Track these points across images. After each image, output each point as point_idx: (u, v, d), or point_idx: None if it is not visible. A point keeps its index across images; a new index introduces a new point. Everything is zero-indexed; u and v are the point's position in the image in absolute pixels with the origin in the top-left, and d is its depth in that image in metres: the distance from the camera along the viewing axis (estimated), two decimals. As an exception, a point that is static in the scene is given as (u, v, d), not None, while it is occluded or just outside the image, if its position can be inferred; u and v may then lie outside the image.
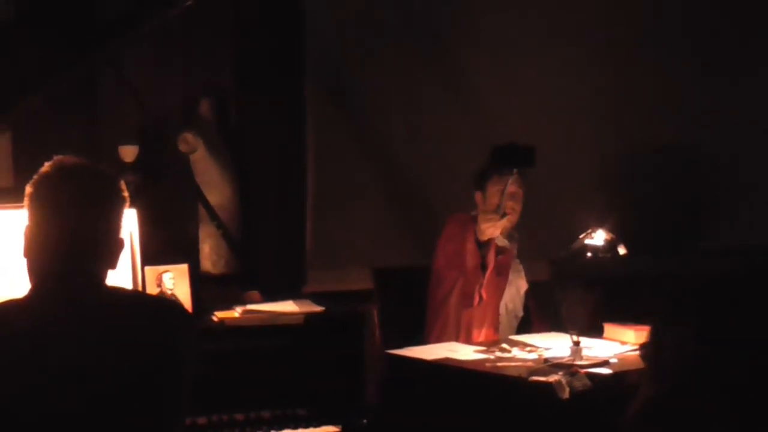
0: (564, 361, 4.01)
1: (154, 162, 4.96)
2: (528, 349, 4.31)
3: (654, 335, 1.91)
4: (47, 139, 5.00)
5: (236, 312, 3.58)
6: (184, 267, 3.50)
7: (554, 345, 4.29)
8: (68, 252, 2.37)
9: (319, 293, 5.28)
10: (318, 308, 3.64)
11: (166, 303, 2.69)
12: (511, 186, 4.61)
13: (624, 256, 4.31)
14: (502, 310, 4.74)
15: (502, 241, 4.69)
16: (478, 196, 4.74)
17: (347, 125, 5.69)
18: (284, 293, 4.69)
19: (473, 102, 5.89)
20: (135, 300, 2.56)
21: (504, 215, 4.31)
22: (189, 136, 5.03)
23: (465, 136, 5.77)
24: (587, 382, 3.78)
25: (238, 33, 5.36)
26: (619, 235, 4.29)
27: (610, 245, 4.28)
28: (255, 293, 3.89)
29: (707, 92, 6.26)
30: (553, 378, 3.76)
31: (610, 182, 6.10)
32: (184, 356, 2.39)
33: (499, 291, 4.68)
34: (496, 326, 4.68)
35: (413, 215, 5.77)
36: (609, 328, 4.58)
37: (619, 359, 4.13)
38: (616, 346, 4.36)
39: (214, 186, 5.11)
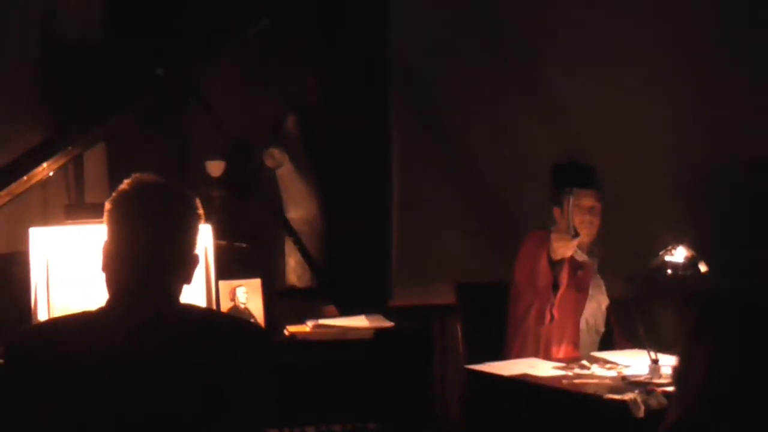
0: (641, 379, 3.96)
1: (240, 177, 5.05)
2: (608, 366, 4.27)
3: (684, 353, 1.88)
4: (140, 155, 5.14)
5: (307, 326, 3.62)
6: (257, 281, 3.55)
7: (635, 363, 4.25)
8: (142, 267, 2.41)
9: (404, 307, 5.34)
10: (388, 323, 3.66)
11: (238, 324, 2.65)
12: (588, 200, 4.59)
13: (705, 273, 4.24)
14: (582, 325, 4.70)
15: (582, 257, 4.65)
16: (556, 211, 4.70)
17: (432, 141, 5.72)
18: (362, 308, 4.76)
19: (557, 115, 5.87)
20: (206, 319, 2.55)
21: (576, 235, 4.27)
22: (275, 152, 5.12)
23: (549, 149, 5.72)
24: (663, 401, 3.74)
25: (325, 51, 5.42)
26: (700, 251, 4.22)
27: (691, 262, 4.21)
28: (331, 307, 3.93)
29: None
30: (628, 396, 3.72)
31: (693, 197, 6.00)
32: (255, 377, 2.39)
33: (578, 307, 4.64)
34: (576, 342, 4.64)
35: (499, 229, 5.76)
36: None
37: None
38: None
39: (300, 201, 5.19)
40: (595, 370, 4.22)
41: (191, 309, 2.51)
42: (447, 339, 5.29)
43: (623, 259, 5.01)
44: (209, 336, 2.41)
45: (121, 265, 2.41)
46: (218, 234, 3.78)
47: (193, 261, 2.45)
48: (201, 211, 2.47)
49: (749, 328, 1.81)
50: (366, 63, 5.52)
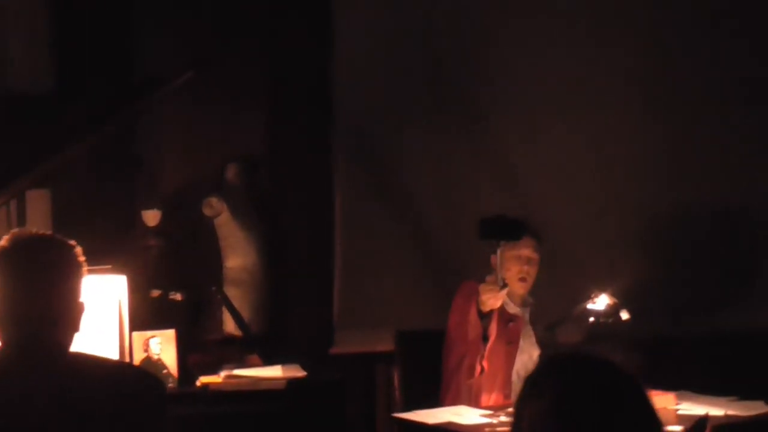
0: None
1: (176, 226, 5.10)
2: (534, 414, 4.27)
3: (515, 412, 1.90)
4: (84, 202, 5.19)
5: (220, 377, 3.64)
6: (170, 332, 3.57)
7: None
8: (29, 320, 2.48)
9: (346, 355, 5.36)
10: (301, 374, 3.68)
11: (130, 372, 2.72)
12: (525, 251, 4.62)
13: (627, 321, 4.27)
14: (514, 377, 4.71)
15: (513, 308, 4.68)
16: (493, 259, 4.74)
17: (376, 189, 5.75)
18: (304, 356, 4.79)
19: (503, 164, 5.91)
20: (98, 367, 2.60)
21: (504, 286, 4.28)
22: (213, 200, 5.16)
23: (495, 198, 5.79)
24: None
25: (269, 100, 5.48)
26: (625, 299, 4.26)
27: (613, 310, 4.25)
28: (254, 357, 3.96)
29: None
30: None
31: (643, 246, 6.05)
32: (148, 426, 2.44)
33: (509, 359, 4.65)
34: (506, 393, 4.64)
35: (442, 277, 5.78)
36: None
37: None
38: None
39: (239, 249, 5.23)
40: (520, 418, 4.22)
41: (82, 357, 2.56)
42: (381, 387, 5.30)
43: (565, 308, 5.04)
44: (100, 384, 2.46)
45: (9, 319, 2.48)
46: (153, 284, 3.80)
47: (78, 309, 2.51)
48: (82, 259, 2.53)
49: (570, 387, 1.85)
50: (311, 114, 5.57)
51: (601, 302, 4.25)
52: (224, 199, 5.19)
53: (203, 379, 3.60)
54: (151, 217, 4.92)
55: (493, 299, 4.29)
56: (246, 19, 5.42)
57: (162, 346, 3.57)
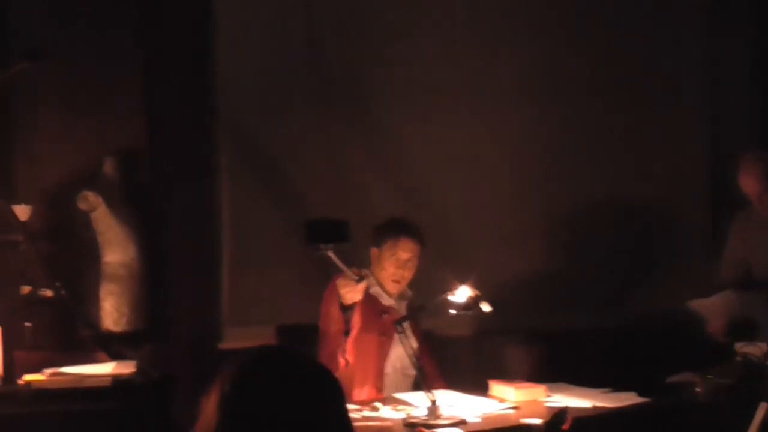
0: (418, 420, 3.89)
1: (51, 221, 4.99)
2: (399, 407, 4.19)
3: (203, 402, 1.87)
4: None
5: (44, 374, 3.53)
6: (-4, 331, 3.47)
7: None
8: None
9: (234, 350, 5.25)
10: (130, 371, 3.57)
11: None
12: (405, 253, 4.60)
13: (489, 313, 4.20)
14: (389, 369, 4.65)
15: (388, 300, 4.66)
16: (373, 252, 4.70)
17: (263, 181, 5.64)
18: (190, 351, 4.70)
19: (393, 159, 5.82)
20: None
21: (361, 279, 4.21)
22: (89, 195, 5.04)
23: (383, 191, 5.70)
24: (430, 443, 3.67)
25: (148, 89, 5.35)
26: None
27: (474, 302, 4.17)
28: (103, 354, 3.84)
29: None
30: (394, 439, 3.66)
31: (534, 235, 5.98)
32: None
33: (382, 351, 4.61)
34: (378, 387, 4.58)
35: (332, 273, 5.67)
36: (494, 386, 4.47)
37: (484, 418, 4.01)
38: (492, 404, 4.23)
39: (117, 244, 5.11)
40: (384, 412, 4.14)
41: None
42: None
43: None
44: None
45: None
46: (23, 280, 3.69)
47: None
48: None
49: (234, 379, 1.81)
50: (192, 103, 5.45)
51: (461, 294, 4.17)
52: (101, 193, 5.06)
53: (26, 377, 3.48)
54: (22, 211, 4.78)
55: (351, 293, 4.24)
56: (122, 3, 5.29)
57: (-14, 344, 3.46)
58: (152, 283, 5.26)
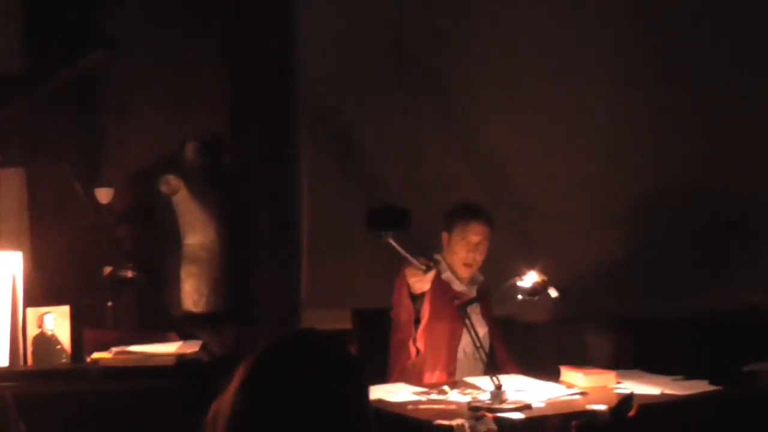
0: (482, 404, 3.90)
1: (134, 203, 5.12)
2: (467, 391, 4.21)
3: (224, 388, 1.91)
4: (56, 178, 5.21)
5: (110, 353, 3.62)
6: (65, 308, 3.57)
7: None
8: None
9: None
10: (193, 350, 3.65)
11: None
12: (476, 237, 4.60)
13: (555, 299, 4.18)
14: (460, 354, 4.65)
15: (459, 286, 4.65)
16: (444, 237, 4.71)
17: (342, 167, 5.69)
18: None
19: (472, 146, 5.81)
20: None
21: (429, 269, 4.22)
22: (171, 178, 5.16)
23: (463, 180, 5.71)
24: (493, 427, 3.69)
25: (230, 75, 5.45)
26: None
27: (541, 287, 4.16)
28: (173, 334, 3.94)
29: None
30: (456, 422, 3.67)
31: (620, 228, 5.91)
32: None
33: (454, 336, 4.60)
34: (450, 371, 4.59)
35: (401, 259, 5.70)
36: (565, 372, 4.45)
37: (549, 404, 4.00)
38: (559, 389, 4.22)
39: (198, 227, 5.22)
40: (452, 395, 4.16)
41: None
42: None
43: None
44: None
45: None
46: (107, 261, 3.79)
47: None
48: None
49: (258, 364, 1.85)
50: (276, 90, 5.53)
51: (529, 279, 4.16)
52: (182, 176, 5.17)
53: (94, 356, 3.59)
54: (104, 194, 4.92)
55: (419, 282, 4.27)
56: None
57: (56, 322, 3.57)
58: (232, 266, 5.35)
